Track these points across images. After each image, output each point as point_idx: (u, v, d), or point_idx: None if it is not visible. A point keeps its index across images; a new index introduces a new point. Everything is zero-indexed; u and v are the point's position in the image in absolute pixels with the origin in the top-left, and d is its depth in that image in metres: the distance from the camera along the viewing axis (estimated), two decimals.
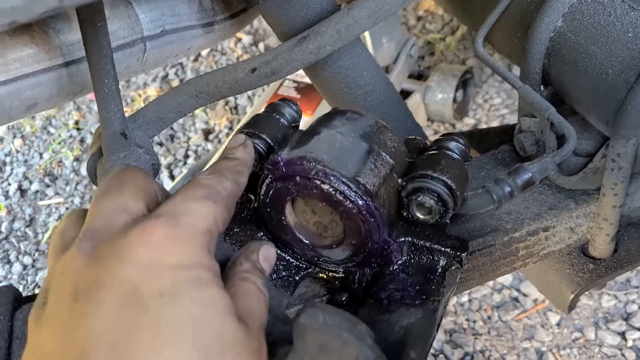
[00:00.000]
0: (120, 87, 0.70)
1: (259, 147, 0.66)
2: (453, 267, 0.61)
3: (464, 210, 0.64)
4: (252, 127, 0.67)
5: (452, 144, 0.65)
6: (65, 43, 0.70)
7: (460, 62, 2.25)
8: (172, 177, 2.15)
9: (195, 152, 2.24)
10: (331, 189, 0.59)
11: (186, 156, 2.24)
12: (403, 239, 0.62)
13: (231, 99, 2.39)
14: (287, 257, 0.69)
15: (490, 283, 1.61)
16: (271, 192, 0.64)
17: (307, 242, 0.66)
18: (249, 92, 2.39)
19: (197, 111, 2.37)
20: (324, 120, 0.65)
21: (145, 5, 0.78)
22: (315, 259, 0.67)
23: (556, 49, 0.73)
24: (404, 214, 0.63)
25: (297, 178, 0.60)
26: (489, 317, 1.56)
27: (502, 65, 0.75)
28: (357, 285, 0.65)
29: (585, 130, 0.78)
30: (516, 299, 1.58)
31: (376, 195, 0.59)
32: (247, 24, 0.96)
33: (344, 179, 0.58)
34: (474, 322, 1.56)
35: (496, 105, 2.10)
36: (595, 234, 0.75)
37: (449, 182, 0.60)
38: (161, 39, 0.80)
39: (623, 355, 1.42)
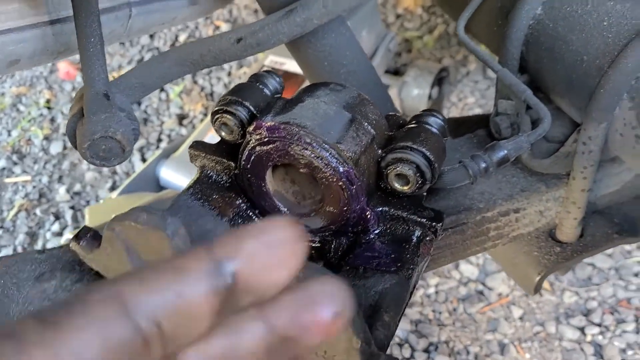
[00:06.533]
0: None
1: (241, 114, 0.67)
2: (428, 238, 0.63)
3: (441, 184, 0.65)
4: (236, 95, 0.68)
5: (431, 119, 0.66)
6: (51, 0, 0.69)
7: (437, 61, 2.28)
8: (143, 160, 2.14)
9: (169, 136, 2.23)
10: (313, 155, 0.60)
11: (159, 140, 2.22)
12: (380, 208, 0.64)
13: (207, 85, 2.38)
14: None
15: (457, 276, 1.64)
16: (253, 157, 0.64)
17: (285, 209, 0.67)
18: (226, 79, 2.38)
19: (171, 96, 2.36)
20: (308, 90, 0.66)
21: None
22: None
23: (534, 36, 0.75)
24: (382, 185, 0.65)
25: (280, 143, 0.61)
26: (455, 309, 1.59)
27: (482, 50, 0.77)
28: (333, 254, 0.66)
29: (557, 118, 0.80)
30: (481, 292, 1.61)
31: (357, 163, 0.60)
32: (232, 0, 0.96)
33: (326, 145, 0.59)
34: (440, 313, 1.59)
35: (470, 104, 2.14)
36: (563, 217, 0.78)
37: (428, 153, 0.61)
38: (147, 5, 0.80)
39: (582, 349, 1.46)
